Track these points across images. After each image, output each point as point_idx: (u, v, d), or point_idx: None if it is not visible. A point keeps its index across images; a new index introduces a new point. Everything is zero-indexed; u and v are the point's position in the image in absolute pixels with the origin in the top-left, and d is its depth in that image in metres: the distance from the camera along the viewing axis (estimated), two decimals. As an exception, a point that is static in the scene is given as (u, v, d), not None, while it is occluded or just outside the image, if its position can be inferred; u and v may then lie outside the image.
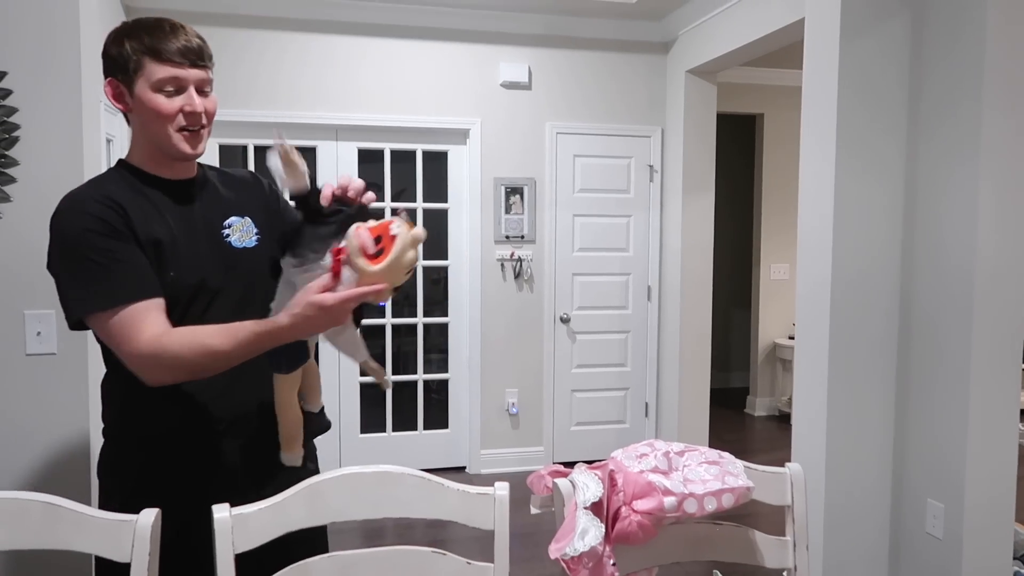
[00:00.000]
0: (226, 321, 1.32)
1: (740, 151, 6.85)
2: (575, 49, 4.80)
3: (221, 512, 1.21)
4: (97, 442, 2.30)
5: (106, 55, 1.40)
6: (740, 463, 1.43)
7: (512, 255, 4.74)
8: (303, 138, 4.48)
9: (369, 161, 4.65)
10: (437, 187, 4.79)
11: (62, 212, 1.35)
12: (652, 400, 5.02)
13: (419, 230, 1.25)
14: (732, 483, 1.34)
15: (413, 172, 4.73)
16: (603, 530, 1.27)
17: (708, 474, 1.34)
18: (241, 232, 1.48)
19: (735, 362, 7.34)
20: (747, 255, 6.70)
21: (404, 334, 4.83)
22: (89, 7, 2.27)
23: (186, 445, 1.42)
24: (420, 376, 4.81)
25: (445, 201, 4.79)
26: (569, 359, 4.90)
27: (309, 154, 4.51)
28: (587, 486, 1.30)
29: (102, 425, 1.51)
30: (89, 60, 2.26)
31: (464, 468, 4.81)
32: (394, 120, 4.56)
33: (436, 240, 4.81)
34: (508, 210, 4.74)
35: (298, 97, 4.41)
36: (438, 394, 4.88)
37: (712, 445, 4.73)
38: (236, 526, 1.22)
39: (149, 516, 1.19)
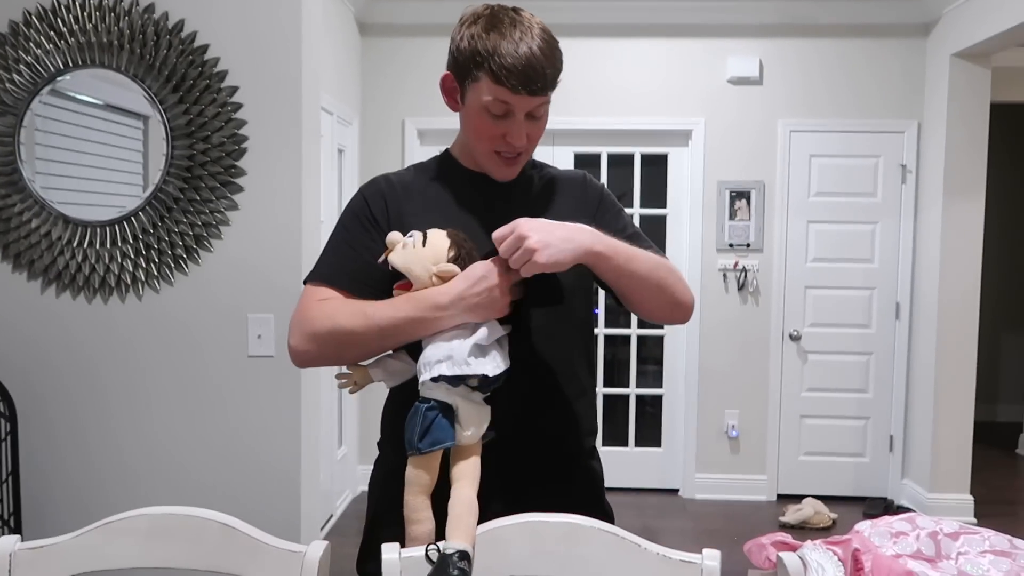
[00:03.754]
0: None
1: (1014, 146, 5.86)
2: (814, 37, 4.32)
3: (390, 553, 1.10)
4: (308, 444, 2.36)
5: (454, 47, 1.28)
6: (1041, 557, 1.07)
7: (736, 265, 4.37)
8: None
9: (584, 165, 4.52)
10: (656, 192, 4.54)
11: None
12: (898, 433, 4.39)
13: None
14: (1031, 586, 1.00)
15: (631, 176, 4.52)
16: (843, 627, 0.99)
17: (996, 569, 1.00)
18: None
19: (1004, 392, 6.29)
20: (1020, 268, 5.71)
21: (618, 344, 4.64)
22: (312, 24, 2.34)
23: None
24: (632, 390, 4.59)
25: (664, 206, 4.52)
26: (799, 381, 4.42)
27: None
28: (822, 567, 1.03)
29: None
30: (310, 75, 2.32)
31: (677, 491, 4.51)
32: (611, 123, 4.39)
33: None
34: (732, 216, 4.38)
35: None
36: (652, 407, 4.63)
37: (975, 491, 4.06)
38: (404, 568, 1.10)
39: (318, 549, 1.10)
